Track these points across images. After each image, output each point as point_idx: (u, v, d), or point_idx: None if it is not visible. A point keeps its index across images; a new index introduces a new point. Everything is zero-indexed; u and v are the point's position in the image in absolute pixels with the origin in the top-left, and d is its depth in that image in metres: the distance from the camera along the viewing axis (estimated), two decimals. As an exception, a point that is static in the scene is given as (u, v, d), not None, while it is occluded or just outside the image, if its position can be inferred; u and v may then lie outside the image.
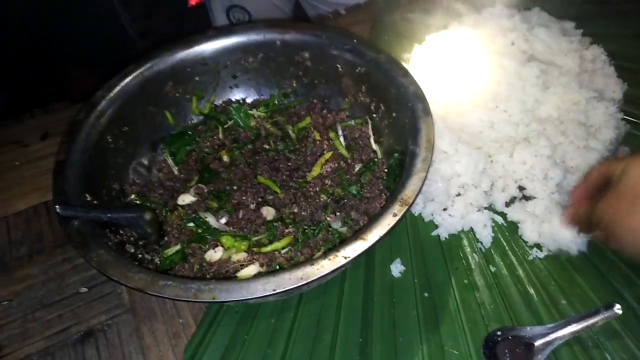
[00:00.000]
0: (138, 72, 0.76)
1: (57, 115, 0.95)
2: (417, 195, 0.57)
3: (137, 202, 0.73)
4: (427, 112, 0.66)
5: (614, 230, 0.54)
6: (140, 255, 0.66)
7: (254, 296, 0.51)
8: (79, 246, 0.57)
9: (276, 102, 0.87)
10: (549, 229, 0.69)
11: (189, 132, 0.82)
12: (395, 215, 0.55)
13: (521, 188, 0.75)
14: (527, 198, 0.75)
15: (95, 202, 0.66)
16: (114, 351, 0.65)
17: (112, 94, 0.74)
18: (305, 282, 0.51)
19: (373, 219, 0.57)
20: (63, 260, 0.74)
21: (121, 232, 0.66)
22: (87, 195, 0.65)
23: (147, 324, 0.67)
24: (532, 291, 0.65)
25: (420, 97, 0.68)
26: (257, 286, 0.51)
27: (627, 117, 0.81)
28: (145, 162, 0.78)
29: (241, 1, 1.25)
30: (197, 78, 0.82)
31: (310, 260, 0.54)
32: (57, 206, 0.58)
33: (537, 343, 0.59)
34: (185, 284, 0.52)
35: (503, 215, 0.74)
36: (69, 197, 0.62)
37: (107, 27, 1.06)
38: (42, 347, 0.65)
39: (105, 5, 1.01)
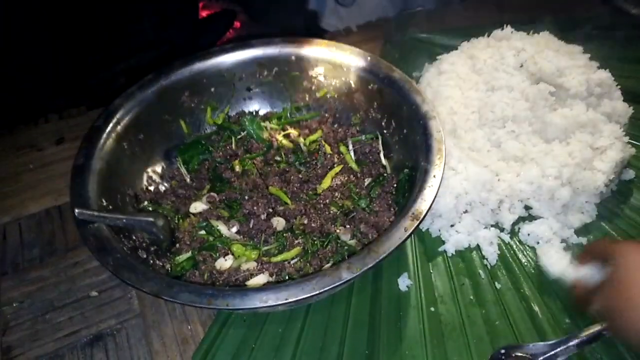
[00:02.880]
0: (156, 81, 0.78)
1: (71, 121, 0.97)
2: (428, 211, 0.59)
3: (150, 208, 0.75)
4: (438, 130, 0.68)
5: (615, 324, 0.53)
6: (152, 261, 0.67)
7: (266, 305, 0.52)
8: (95, 250, 0.58)
9: (289, 115, 0.89)
10: (549, 254, 0.70)
11: (203, 142, 0.84)
12: (406, 230, 0.57)
13: (527, 207, 0.76)
14: (533, 218, 0.76)
15: (110, 207, 0.67)
16: (122, 355, 0.65)
17: (130, 102, 0.76)
18: (317, 292, 0.52)
19: (384, 232, 0.58)
20: (74, 263, 0.75)
21: (134, 237, 0.67)
22: (103, 200, 0.66)
23: (156, 329, 0.68)
24: (536, 308, 0.66)
25: (432, 116, 0.70)
26: (269, 295, 0.52)
27: (632, 141, 0.82)
28: (159, 169, 0.80)
29: None
30: (212, 89, 0.84)
31: (321, 271, 0.55)
32: (75, 210, 0.60)
33: (541, 360, 0.60)
34: (199, 290, 0.54)
35: (509, 233, 0.75)
36: (86, 201, 0.63)
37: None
38: (52, 349, 0.66)
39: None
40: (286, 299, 0.52)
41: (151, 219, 0.68)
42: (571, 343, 0.60)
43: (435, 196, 0.60)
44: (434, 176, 0.62)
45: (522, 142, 0.79)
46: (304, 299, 0.52)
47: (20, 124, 0.95)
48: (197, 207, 0.74)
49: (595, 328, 0.59)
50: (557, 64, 0.82)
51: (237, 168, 0.80)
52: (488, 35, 0.95)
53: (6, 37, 0.92)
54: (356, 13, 1.30)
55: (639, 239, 0.70)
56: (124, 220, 0.64)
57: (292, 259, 0.67)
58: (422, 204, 0.59)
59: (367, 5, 1.29)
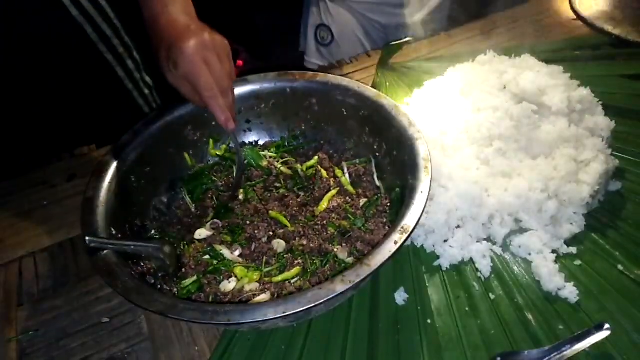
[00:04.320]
0: (161, 117, 0.83)
1: (82, 159, 1.02)
2: (416, 224, 0.62)
3: (157, 236, 0.79)
4: (424, 149, 0.72)
5: None
6: (159, 286, 0.70)
7: (265, 318, 0.55)
8: (105, 274, 0.62)
9: (286, 143, 0.93)
10: (540, 264, 0.73)
11: (206, 172, 0.89)
12: (396, 242, 0.60)
13: (517, 220, 0.79)
14: (524, 230, 0.79)
15: (119, 235, 0.71)
16: (133, 377, 0.68)
17: (136, 138, 0.81)
18: (313, 304, 0.55)
19: (375, 246, 0.61)
20: (86, 292, 0.78)
21: (142, 264, 0.71)
22: (112, 229, 0.70)
23: (165, 352, 0.70)
24: (530, 317, 0.68)
25: (418, 137, 0.74)
26: (268, 309, 0.56)
27: (616, 153, 0.86)
28: (165, 199, 0.84)
29: (329, 22, 1.38)
30: (214, 123, 0.88)
31: (318, 286, 0.58)
32: (86, 237, 0.64)
33: (535, 366, 0.62)
34: (202, 308, 0.57)
35: (501, 246, 0.78)
36: (95, 230, 0.68)
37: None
38: (66, 374, 0.69)
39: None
40: (284, 312, 0.55)
41: (158, 246, 0.72)
42: (564, 349, 0.62)
43: (424, 209, 0.63)
44: (421, 192, 0.66)
45: (509, 158, 0.82)
46: (301, 311, 0.55)
47: (34, 163, 1.00)
48: (202, 233, 0.78)
49: (589, 333, 0.62)
50: (538, 83, 0.87)
51: (241, 197, 0.84)
52: (472, 61, 1.00)
53: (17, 85, 0.98)
54: (335, 51, 1.39)
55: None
56: (132, 247, 0.68)
57: (293, 278, 0.71)
58: (411, 219, 0.63)
59: (345, 44, 1.40)
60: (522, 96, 0.87)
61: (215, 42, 0.72)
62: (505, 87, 0.90)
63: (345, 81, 0.88)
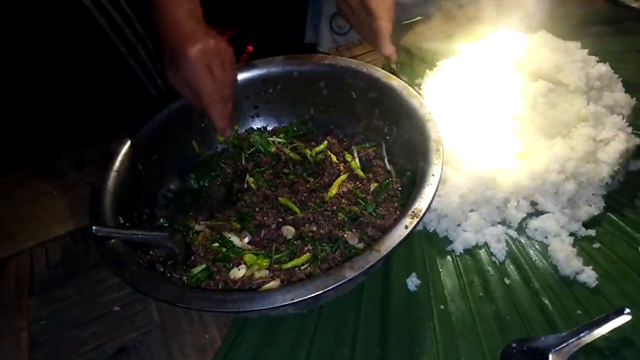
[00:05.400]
0: (167, 105, 0.82)
1: (92, 148, 1.02)
2: (428, 208, 0.60)
3: (166, 224, 0.78)
4: (435, 131, 0.70)
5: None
6: (168, 274, 0.69)
7: (275, 305, 0.54)
8: (113, 264, 0.62)
9: (295, 129, 0.92)
10: (557, 247, 0.71)
11: (214, 160, 0.88)
12: (406, 227, 0.58)
13: (533, 203, 0.77)
14: (540, 213, 0.76)
15: (127, 224, 0.71)
16: (145, 366, 0.68)
17: (143, 126, 0.80)
18: (322, 291, 0.54)
19: (386, 231, 0.60)
20: (97, 281, 0.78)
21: (151, 252, 0.70)
22: (120, 218, 0.70)
23: (176, 340, 0.70)
24: (547, 302, 0.66)
25: (429, 119, 0.72)
26: (277, 296, 0.55)
27: (637, 132, 0.82)
28: (174, 187, 0.84)
29: None
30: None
31: (326, 272, 0.57)
32: (93, 227, 0.63)
33: (552, 352, 0.60)
34: (210, 296, 0.56)
35: (517, 229, 0.76)
36: (104, 219, 0.67)
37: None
38: (78, 363, 0.69)
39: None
40: (292, 299, 0.54)
41: (166, 234, 0.72)
42: (583, 334, 0.60)
43: (435, 193, 0.62)
44: (433, 175, 0.64)
45: (525, 138, 0.80)
46: (310, 298, 0.54)
47: (44, 154, 1.00)
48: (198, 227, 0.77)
49: (609, 318, 0.60)
50: (554, 61, 0.84)
51: (252, 185, 0.83)
52: (486, 39, 0.97)
53: (28, 75, 0.98)
54: (353, 39, 1.34)
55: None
56: (140, 236, 0.68)
57: (303, 265, 0.69)
58: (421, 202, 0.61)
59: None
60: (538, 74, 0.84)
61: (219, 49, 0.71)
62: (520, 65, 0.86)
63: (354, 63, 0.85)
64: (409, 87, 0.78)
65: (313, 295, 0.54)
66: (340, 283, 0.54)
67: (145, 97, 1.10)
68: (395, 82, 0.80)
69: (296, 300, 0.53)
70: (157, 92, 1.12)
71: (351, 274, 0.55)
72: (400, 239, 0.57)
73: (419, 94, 0.77)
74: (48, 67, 0.99)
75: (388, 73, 0.82)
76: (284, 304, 0.54)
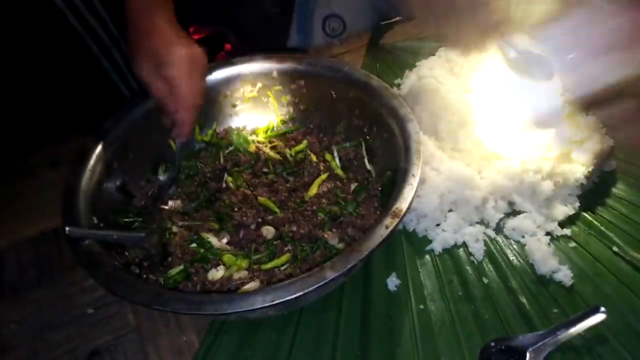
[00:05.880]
0: (144, 102, 0.81)
1: (66, 146, 0.98)
2: (408, 208, 0.60)
3: (142, 225, 0.76)
4: (415, 131, 0.70)
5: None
6: (145, 276, 0.68)
7: (254, 307, 0.53)
8: (87, 265, 0.60)
9: (274, 128, 0.91)
10: (533, 247, 0.72)
11: (192, 159, 0.86)
12: (387, 227, 0.58)
13: (511, 203, 0.78)
14: (517, 212, 0.77)
15: (102, 224, 0.69)
16: (120, 369, 0.66)
17: (118, 124, 0.78)
18: (302, 293, 0.53)
19: (367, 231, 0.60)
20: (70, 282, 0.76)
21: (126, 253, 0.69)
22: (94, 218, 0.68)
23: (152, 343, 0.69)
24: (524, 300, 0.67)
25: (409, 118, 0.72)
26: (256, 298, 0.54)
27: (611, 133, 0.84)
28: (150, 185, 0.82)
29: (339, 11, 1.30)
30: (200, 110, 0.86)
31: (307, 273, 0.56)
32: (67, 228, 0.61)
33: (530, 351, 0.60)
34: (188, 298, 0.55)
35: (495, 229, 0.77)
36: (77, 219, 0.65)
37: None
38: (50, 367, 0.67)
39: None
40: (272, 301, 0.53)
41: (142, 235, 0.70)
42: (559, 333, 0.61)
43: (415, 193, 0.62)
44: (413, 175, 0.64)
45: (502, 140, 0.80)
46: (290, 300, 0.54)
47: (15, 150, 0.97)
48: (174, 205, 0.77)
49: (584, 317, 0.61)
50: (530, 62, 0.85)
51: (231, 185, 0.81)
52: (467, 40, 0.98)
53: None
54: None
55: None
56: (115, 237, 0.66)
57: (282, 265, 0.69)
58: (402, 202, 0.61)
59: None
60: (515, 74, 0.85)
61: (202, 59, 0.75)
62: (498, 68, 0.87)
63: (334, 62, 0.85)
64: (388, 87, 0.78)
65: (294, 296, 0.53)
66: (321, 284, 0.54)
67: (119, 100, 1.08)
68: (376, 82, 0.80)
69: (276, 302, 0.53)
70: (131, 95, 1.10)
71: (332, 274, 0.54)
72: (382, 238, 0.57)
73: (399, 94, 0.77)
74: (19, 64, 0.96)
75: (368, 73, 0.82)
76: (264, 305, 0.53)
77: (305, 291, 0.54)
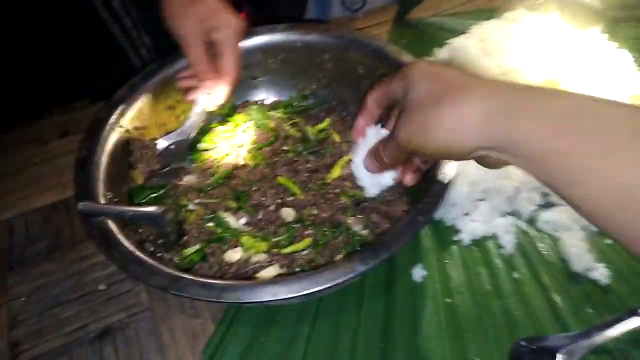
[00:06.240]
0: (160, 70, 0.76)
1: (76, 114, 0.95)
2: (442, 201, 0.56)
3: (155, 202, 0.73)
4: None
5: (423, 141, 0.46)
6: (159, 254, 0.65)
7: (277, 298, 0.50)
8: (100, 243, 0.57)
9: (295, 103, 0.86)
10: (568, 242, 0.68)
11: (209, 132, 0.82)
12: (420, 221, 0.55)
13: (545, 195, 0.74)
14: (552, 205, 0.73)
15: (116, 199, 0.66)
16: (131, 349, 0.64)
17: (133, 92, 0.74)
18: (330, 284, 0.50)
19: (397, 223, 0.56)
20: (81, 257, 0.74)
21: (140, 230, 0.65)
22: (108, 193, 0.65)
23: (166, 323, 0.66)
24: (557, 298, 0.64)
25: (445, 100, 0.67)
26: (280, 288, 0.51)
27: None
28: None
29: None
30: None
31: (332, 263, 0.53)
32: (79, 203, 0.58)
33: (562, 352, 0.57)
34: (208, 284, 0.52)
35: (527, 221, 0.73)
36: (90, 194, 0.62)
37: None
38: (59, 344, 0.65)
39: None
40: (297, 292, 0.50)
41: (158, 211, 0.66)
42: (594, 335, 0.58)
43: (450, 185, 0.58)
44: (449, 165, 0.60)
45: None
46: (316, 291, 0.50)
47: (23, 119, 0.94)
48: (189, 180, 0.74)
49: (621, 319, 0.57)
50: (570, 44, 0.80)
51: (250, 162, 0.78)
52: (499, 18, 0.92)
53: (8, 35, 0.91)
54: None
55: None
56: (130, 213, 0.63)
57: (303, 250, 0.66)
58: (437, 194, 0.57)
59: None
60: (552, 57, 0.80)
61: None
62: (534, 47, 0.82)
63: (362, 36, 0.80)
64: (422, 65, 0.73)
65: (321, 288, 0.50)
66: (349, 277, 0.50)
67: (129, 68, 1.04)
68: (407, 59, 0.75)
69: (303, 293, 0.50)
70: (141, 63, 1.06)
71: (362, 267, 0.51)
72: (414, 233, 0.54)
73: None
74: (26, 30, 0.92)
75: (398, 48, 0.77)
76: (288, 296, 0.50)
77: (333, 283, 0.50)
